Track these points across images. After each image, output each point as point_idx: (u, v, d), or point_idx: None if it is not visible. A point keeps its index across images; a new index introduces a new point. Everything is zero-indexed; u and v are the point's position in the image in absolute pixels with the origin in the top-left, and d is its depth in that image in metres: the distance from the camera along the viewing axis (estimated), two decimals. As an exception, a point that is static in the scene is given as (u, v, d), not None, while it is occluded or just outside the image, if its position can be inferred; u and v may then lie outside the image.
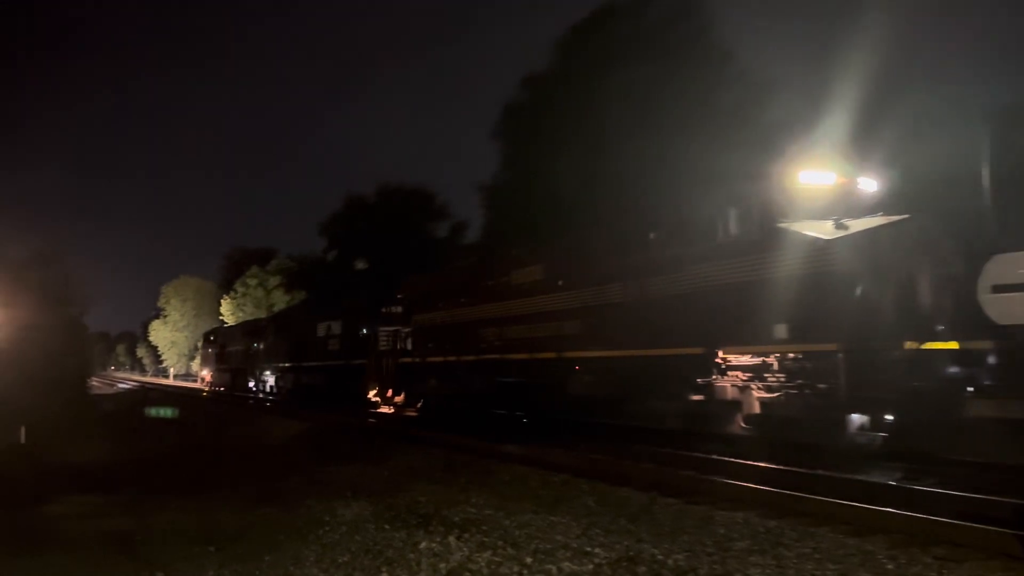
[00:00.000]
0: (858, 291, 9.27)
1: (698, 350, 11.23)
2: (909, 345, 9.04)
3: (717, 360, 11.02)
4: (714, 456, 10.18)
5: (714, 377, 11.11)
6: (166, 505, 8.19)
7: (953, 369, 8.94)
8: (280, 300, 56.04)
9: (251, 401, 33.51)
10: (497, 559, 5.72)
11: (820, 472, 8.46)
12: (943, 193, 12.53)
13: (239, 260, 66.42)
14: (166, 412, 9.63)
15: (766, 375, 10.33)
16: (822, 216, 9.91)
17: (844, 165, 10.87)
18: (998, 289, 8.79)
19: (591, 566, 5.52)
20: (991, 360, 8.81)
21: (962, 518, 6.17)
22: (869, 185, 10.74)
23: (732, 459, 9.72)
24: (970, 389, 8.83)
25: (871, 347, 9.16)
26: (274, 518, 7.41)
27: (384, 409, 22.63)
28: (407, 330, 21.53)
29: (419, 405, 20.48)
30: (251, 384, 37.53)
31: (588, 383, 13.80)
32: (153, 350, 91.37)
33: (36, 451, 13.65)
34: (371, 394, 23.28)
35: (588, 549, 5.93)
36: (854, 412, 9.31)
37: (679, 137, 22.50)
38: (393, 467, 10.69)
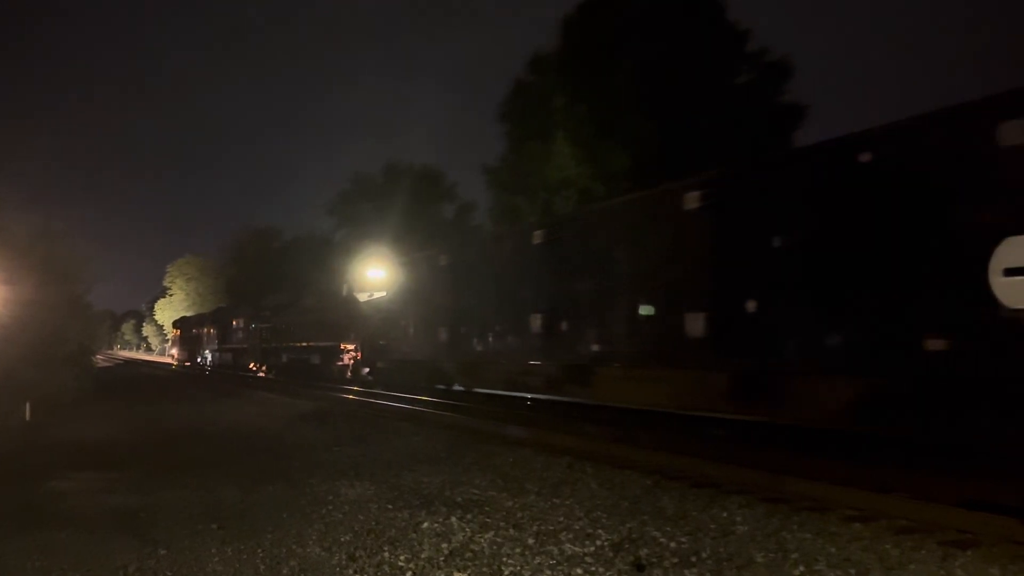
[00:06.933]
0: (369, 320, 22.52)
1: (338, 343, 26.88)
2: (380, 342, 21.27)
3: (342, 348, 26.74)
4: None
5: (343, 355, 26.82)
6: (169, 482, 8.19)
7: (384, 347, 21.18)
8: (286, 276, 56.12)
9: (208, 374, 44.31)
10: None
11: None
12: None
13: (245, 238, 66.62)
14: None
15: (353, 353, 25.78)
16: (377, 291, 23.13)
17: (393, 263, 21.45)
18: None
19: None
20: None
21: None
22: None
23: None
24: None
25: (369, 342, 22.52)
26: (277, 496, 7.42)
27: (260, 374, 36.25)
28: (268, 326, 35.90)
29: (273, 373, 34.87)
30: (199, 359, 51.92)
31: (315, 357, 29.26)
32: (159, 329, 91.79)
33: (41, 428, 13.70)
34: (251, 366, 38.07)
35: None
36: (365, 367, 23.28)
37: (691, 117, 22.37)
38: (394, 448, 10.69)
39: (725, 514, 6.45)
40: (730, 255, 9.92)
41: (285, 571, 5.16)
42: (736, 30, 25.11)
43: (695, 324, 10.21)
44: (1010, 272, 6.83)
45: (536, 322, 13.69)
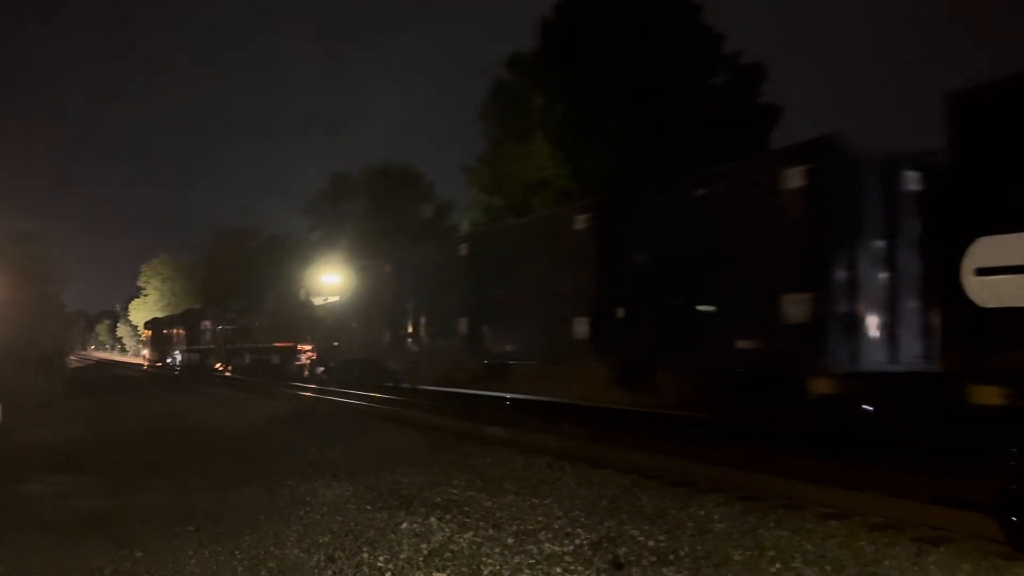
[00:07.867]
0: (324, 322, 24.27)
1: (295, 344, 28.47)
2: (333, 343, 22.98)
3: (299, 348, 28.31)
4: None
5: (300, 355, 28.28)
6: (144, 485, 8.11)
7: (337, 348, 23.15)
8: (260, 277, 55.75)
9: (177, 374, 46.03)
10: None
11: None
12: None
13: (220, 238, 66.21)
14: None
15: (309, 354, 27.25)
16: (331, 295, 23.80)
17: (346, 269, 22.83)
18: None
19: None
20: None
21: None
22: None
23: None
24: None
25: (324, 343, 24.46)
26: (254, 498, 7.37)
27: (226, 373, 37.98)
28: (233, 328, 37.79)
29: (237, 373, 36.76)
30: (168, 360, 53.42)
31: (275, 358, 30.89)
32: (134, 329, 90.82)
33: (14, 430, 13.51)
34: (217, 366, 39.93)
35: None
36: (320, 366, 25.26)
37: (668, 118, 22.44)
38: (374, 448, 10.66)
39: (703, 512, 6.50)
40: (605, 269, 11.59)
41: (263, 573, 5.13)
42: (712, 31, 25.19)
43: (581, 327, 11.84)
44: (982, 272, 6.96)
45: (463, 325, 15.36)
